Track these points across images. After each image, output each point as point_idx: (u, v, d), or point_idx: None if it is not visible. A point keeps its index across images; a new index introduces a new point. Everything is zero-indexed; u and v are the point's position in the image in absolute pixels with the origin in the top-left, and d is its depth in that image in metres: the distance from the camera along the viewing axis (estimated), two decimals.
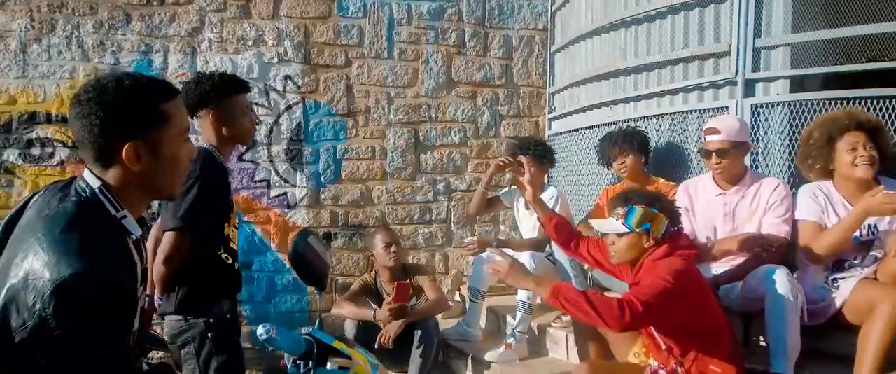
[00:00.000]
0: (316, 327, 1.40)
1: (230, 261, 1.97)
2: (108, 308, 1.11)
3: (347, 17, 4.41)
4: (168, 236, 1.82)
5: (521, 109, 4.66)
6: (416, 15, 4.49)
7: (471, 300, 3.57)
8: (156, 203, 3.00)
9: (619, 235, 2.15)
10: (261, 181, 4.31)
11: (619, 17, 3.66)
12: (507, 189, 3.85)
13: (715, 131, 2.56)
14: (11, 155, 4.04)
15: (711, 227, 2.66)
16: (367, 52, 4.44)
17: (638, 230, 2.12)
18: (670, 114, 3.36)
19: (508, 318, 3.47)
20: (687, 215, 2.71)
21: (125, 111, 1.21)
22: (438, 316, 3.43)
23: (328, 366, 1.29)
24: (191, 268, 1.83)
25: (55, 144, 4.09)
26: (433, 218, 4.55)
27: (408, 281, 3.18)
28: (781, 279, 2.24)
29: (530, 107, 4.66)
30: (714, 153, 2.54)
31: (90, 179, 1.23)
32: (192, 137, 1.42)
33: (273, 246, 4.32)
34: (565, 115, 4.29)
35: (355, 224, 4.42)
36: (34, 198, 1.27)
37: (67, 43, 4.11)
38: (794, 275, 2.37)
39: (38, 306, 1.06)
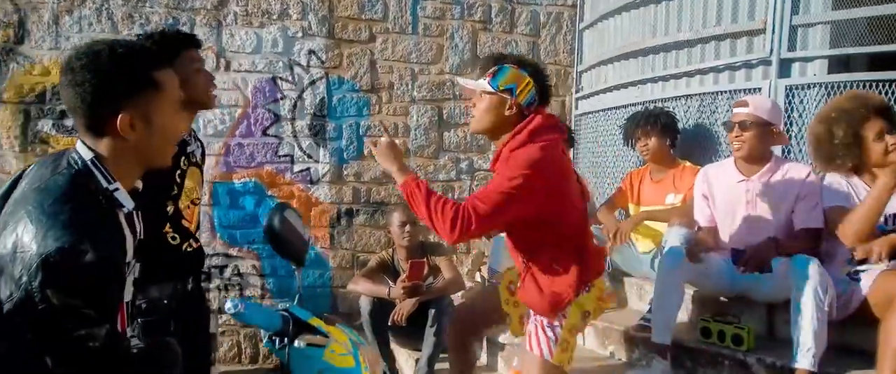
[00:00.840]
0: (294, 303, 1.38)
1: (177, 241, 1.84)
2: (94, 283, 1.11)
3: None
4: None
5: None
6: None
7: (489, 281, 3.54)
8: None
9: (482, 94, 1.95)
10: (284, 156, 4.34)
11: None
12: None
13: (744, 104, 2.43)
14: (46, 125, 4.15)
15: (731, 214, 2.55)
16: (390, 27, 4.39)
17: (501, 90, 1.91)
18: (700, 94, 3.23)
19: None
20: (705, 202, 2.61)
21: (119, 78, 1.20)
22: (456, 296, 3.42)
23: (297, 343, 1.27)
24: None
25: None
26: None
27: (423, 260, 3.17)
28: (812, 271, 2.14)
29: (557, 86, 4.54)
30: (737, 125, 2.42)
31: (82, 150, 1.22)
32: None
33: None
34: (592, 94, 4.17)
35: (377, 201, 4.42)
36: (28, 170, 1.28)
37: (97, 15, 4.17)
38: None
39: (24, 278, 1.07)
